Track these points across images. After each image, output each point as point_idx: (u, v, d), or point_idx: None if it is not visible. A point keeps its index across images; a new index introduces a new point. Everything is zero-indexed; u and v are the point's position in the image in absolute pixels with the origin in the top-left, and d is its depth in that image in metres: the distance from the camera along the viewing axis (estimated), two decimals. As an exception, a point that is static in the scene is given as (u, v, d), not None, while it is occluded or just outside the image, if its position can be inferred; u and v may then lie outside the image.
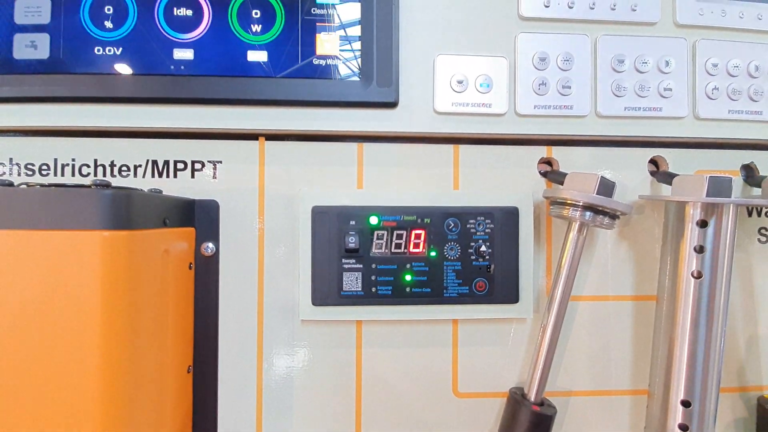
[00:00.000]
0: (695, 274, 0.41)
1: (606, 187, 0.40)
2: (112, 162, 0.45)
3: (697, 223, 0.41)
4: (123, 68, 0.43)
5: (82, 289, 0.31)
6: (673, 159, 0.48)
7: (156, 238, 0.37)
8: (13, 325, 0.30)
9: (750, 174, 0.49)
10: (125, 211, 0.33)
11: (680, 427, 0.42)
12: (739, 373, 0.48)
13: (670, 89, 0.46)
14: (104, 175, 0.45)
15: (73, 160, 0.45)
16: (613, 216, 0.42)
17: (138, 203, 0.34)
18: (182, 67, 0.43)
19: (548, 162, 0.48)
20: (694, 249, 0.41)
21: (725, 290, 0.41)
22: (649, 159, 0.48)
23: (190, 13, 0.43)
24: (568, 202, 0.41)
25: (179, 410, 0.41)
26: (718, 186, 0.40)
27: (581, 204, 0.41)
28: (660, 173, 0.47)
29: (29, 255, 0.31)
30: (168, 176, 0.45)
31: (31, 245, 0.31)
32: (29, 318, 0.30)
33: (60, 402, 0.31)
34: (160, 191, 0.43)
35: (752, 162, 0.49)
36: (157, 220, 0.38)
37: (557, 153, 0.47)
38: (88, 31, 0.43)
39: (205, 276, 0.45)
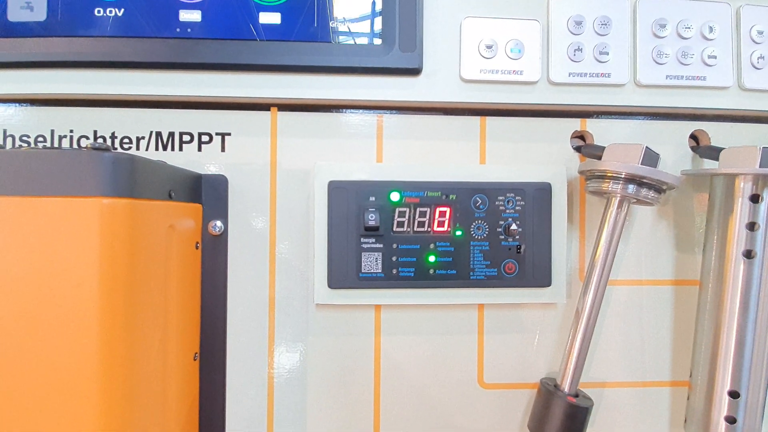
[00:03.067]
0: (746, 254, 0.38)
1: (651, 158, 0.37)
2: (113, 134, 0.42)
3: (750, 198, 0.38)
4: (125, 31, 0.39)
5: (79, 260, 0.28)
6: (715, 133, 0.45)
7: (160, 210, 0.34)
8: (2, 298, 0.27)
9: (797, 150, 0.45)
10: (127, 177, 0.30)
11: (727, 419, 0.39)
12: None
13: (715, 57, 0.43)
14: (104, 147, 0.41)
15: (71, 131, 0.41)
16: (659, 190, 0.38)
17: (141, 170, 0.31)
18: (189, 30, 0.40)
19: (581, 136, 0.44)
20: (746, 226, 0.38)
21: (780, 271, 0.38)
22: (689, 134, 0.45)
23: (197, -29, 0.40)
24: (609, 174, 0.38)
25: (185, 398, 0.38)
26: (774, 157, 0.37)
27: (623, 176, 0.37)
28: (703, 147, 0.44)
29: (22, 223, 0.28)
30: (173, 149, 0.42)
31: (24, 212, 0.28)
32: (21, 290, 0.27)
33: (55, 384, 0.28)
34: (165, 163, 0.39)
35: (799, 137, 0.45)
36: (161, 192, 0.34)
37: (591, 126, 0.44)
38: (88, -10, 0.40)
39: (213, 256, 0.41)
